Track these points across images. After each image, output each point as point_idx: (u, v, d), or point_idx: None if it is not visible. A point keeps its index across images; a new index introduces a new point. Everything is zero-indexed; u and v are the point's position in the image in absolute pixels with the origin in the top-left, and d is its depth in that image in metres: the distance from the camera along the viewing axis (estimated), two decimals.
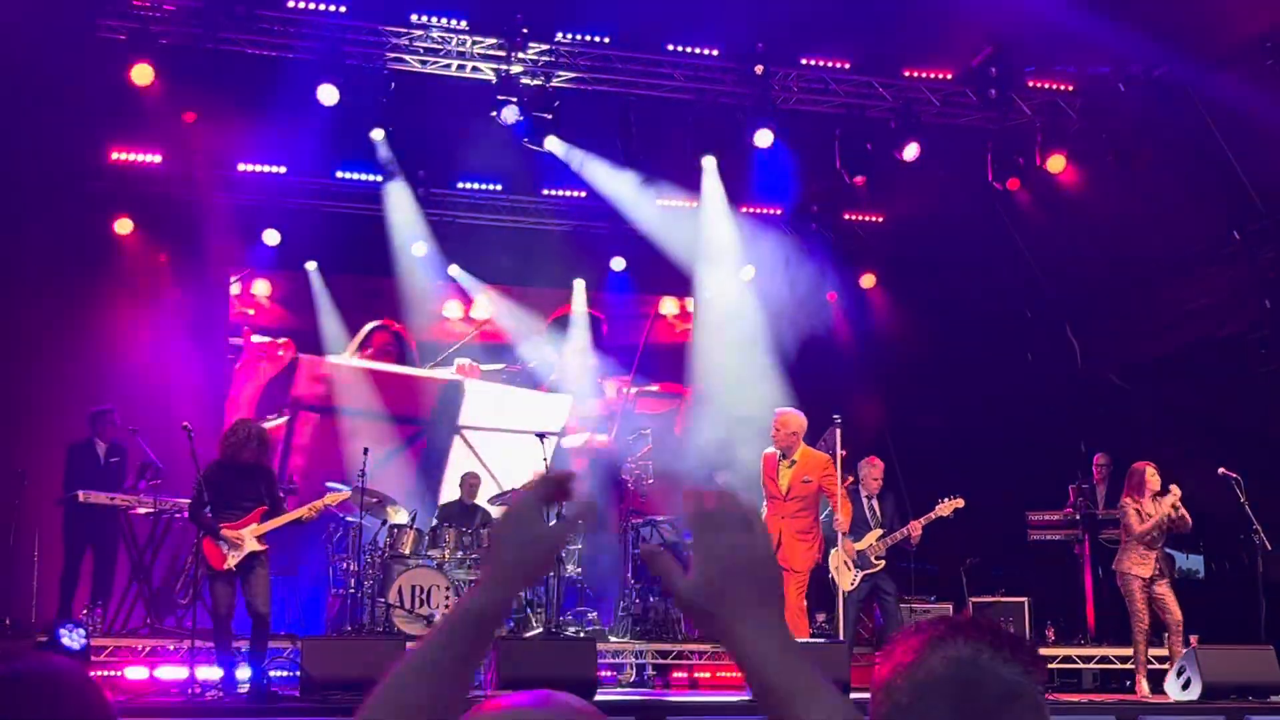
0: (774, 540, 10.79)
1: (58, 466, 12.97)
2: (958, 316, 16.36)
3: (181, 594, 12.93)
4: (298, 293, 16.49)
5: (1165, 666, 11.51)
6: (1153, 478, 11.52)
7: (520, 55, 13.59)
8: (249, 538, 9.93)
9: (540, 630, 12.62)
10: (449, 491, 15.44)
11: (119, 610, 12.97)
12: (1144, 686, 11.36)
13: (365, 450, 13.56)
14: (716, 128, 14.60)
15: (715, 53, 14.11)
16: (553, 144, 14.71)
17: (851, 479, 12.69)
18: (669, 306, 17.89)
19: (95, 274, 14.85)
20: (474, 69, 13.79)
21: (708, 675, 13.01)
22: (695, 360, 17.47)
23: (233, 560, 9.87)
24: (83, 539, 12.78)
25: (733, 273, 16.88)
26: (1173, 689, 10.89)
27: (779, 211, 17.11)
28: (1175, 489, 11.47)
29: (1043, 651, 12.91)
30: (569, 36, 13.77)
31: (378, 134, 14.89)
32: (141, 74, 12.56)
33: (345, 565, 13.30)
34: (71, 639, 10.26)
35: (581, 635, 12.75)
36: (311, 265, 16.32)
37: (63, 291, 14.44)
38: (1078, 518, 14.59)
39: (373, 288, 16.79)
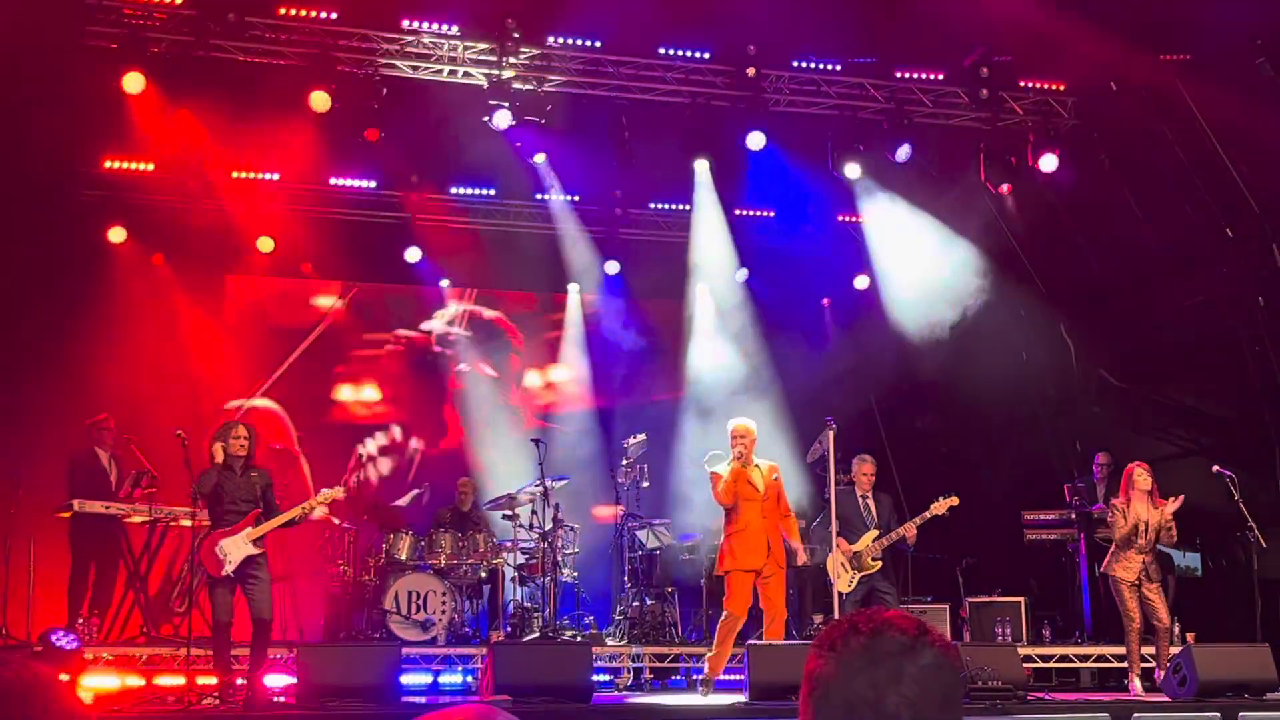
0: (765, 543, 10.83)
1: (53, 475, 12.94)
2: (953, 316, 16.33)
3: (177, 602, 12.92)
4: None
5: (1153, 665, 11.51)
6: (1141, 478, 11.42)
7: (511, 60, 13.59)
8: (243, 542, 9.89)
9: (536, 634, 12.61)
10: None
11: (115, 619, 12.95)
12: (1137, 685, 11.35)
13: (361, 457, 13.58)
14: (709, 131, 14.59)
15: (707, 55, 14.12)
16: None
17: (847, 479, 12.70)
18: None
19: (88, 282, 14.83)
20: (465, 74, 13.79)
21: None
22: (688, 363, 17.47)
23: (230, 567, 9.84)
24: (89, 548, 12.78)
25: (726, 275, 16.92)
26: (1168, 687, 10.89)
27: (772, 214, 17.11)
28: (1177, 500, 11.39)
29: (1040, 651, 13.00)
30: (560, 40, 13.77)
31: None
32: (133, 82, 12.55)
33: (341, 571, 13.30)
34: (64, 642, 10.26)
35: (578, 639, 12.75)
36: (307, 267, 16.32)
37: (56, 300, 14.42)
38: (1073, 517, 14.59)
39: (367, 293, 16.81)
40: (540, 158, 15.24)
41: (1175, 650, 11.25)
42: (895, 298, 16.54)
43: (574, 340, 17.58)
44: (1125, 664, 12.48)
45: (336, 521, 13.46)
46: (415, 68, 13.70)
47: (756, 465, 11.03)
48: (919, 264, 16.15)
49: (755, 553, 10.81)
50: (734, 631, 10.95)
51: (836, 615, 11.80)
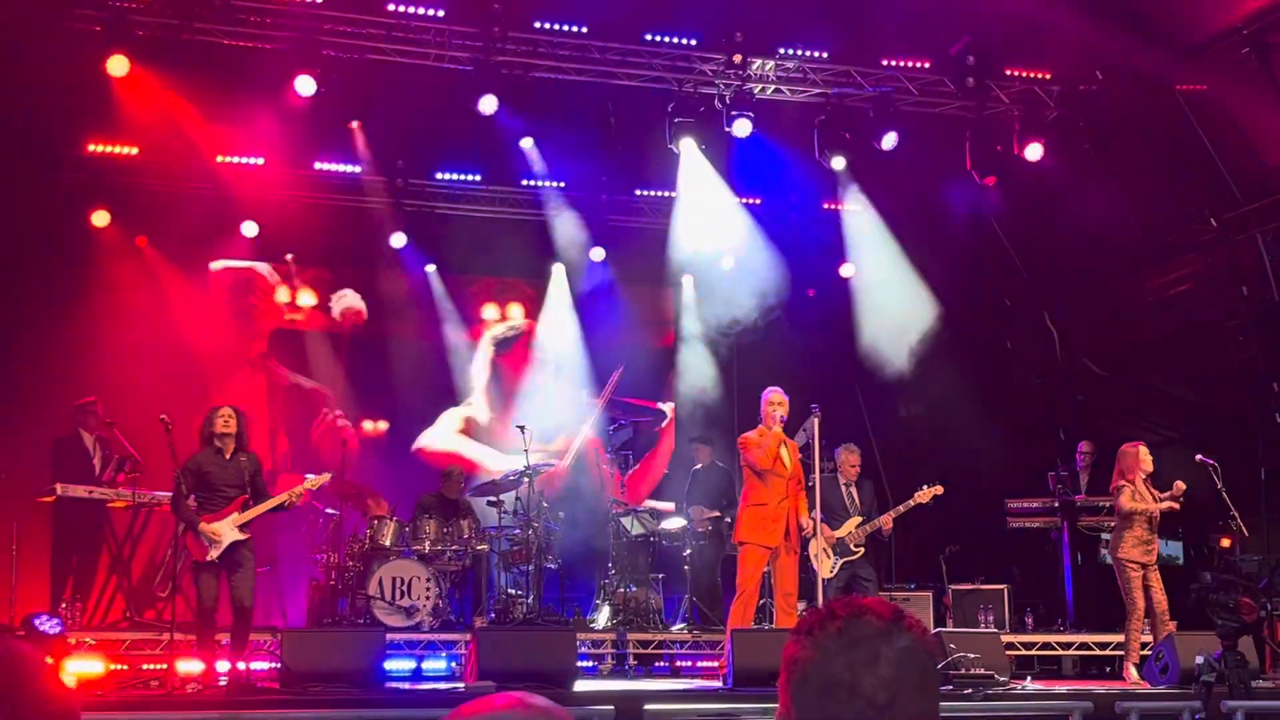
0: (784, 523, 10.76)
1: (35, 459, 12.89)
2: (937, 305, 16.34)
3: (160, 587, 12.89)
4: None
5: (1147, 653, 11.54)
6: (1146, 459, 11.45)
7: (498, 45, 13.54)
8: (229, 528, 9.87)
9: (520, 619, 12.62)
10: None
11: (98, 604, 12.92)
12: (1133, 673, 11.31)
13: (344, 442, 13.55)
14: (695, 117, 14.56)
15: (693, 42, 14.10)
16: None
17: (831, 466, 12.73)
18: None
19: (71, 267, 14.75)
20: (452, 59, 13.74)
21: (688, 664, 13.02)
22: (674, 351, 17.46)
23: (215, 552, 9.82)
24: (72, 533, 12.74)
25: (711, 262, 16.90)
26: (1149, 675, 10.94)
27: (758, 201, 17.09)
28: (1181, 484, 11.40)
29: (1022, 638, 13.03)
30: (547, 26, 13.73)
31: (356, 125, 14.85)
32: (117, 64, 12.48)
33: (325, 557, 13.28)
34: (47, 626, 10.25)
35: (561, 624, 12.76)
36: (289, 258, 16.23)
37: (39, 284, 14.36)
38: (1056, 505, 14.64)
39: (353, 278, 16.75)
40: (527, 143, 15.20)
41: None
42: (880, 287, 16.55)
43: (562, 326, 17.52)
44: (1110, 651, 12.55)
45: (326, 510, 13.43)
46: (401, 52, 13.66)
47: (783, 441, 10.97)
48: (903, 253, 16.18)
49: (774, 530, 10.70)
50: (746, 613, 10.80)
51: (820, 601, 11.84)
